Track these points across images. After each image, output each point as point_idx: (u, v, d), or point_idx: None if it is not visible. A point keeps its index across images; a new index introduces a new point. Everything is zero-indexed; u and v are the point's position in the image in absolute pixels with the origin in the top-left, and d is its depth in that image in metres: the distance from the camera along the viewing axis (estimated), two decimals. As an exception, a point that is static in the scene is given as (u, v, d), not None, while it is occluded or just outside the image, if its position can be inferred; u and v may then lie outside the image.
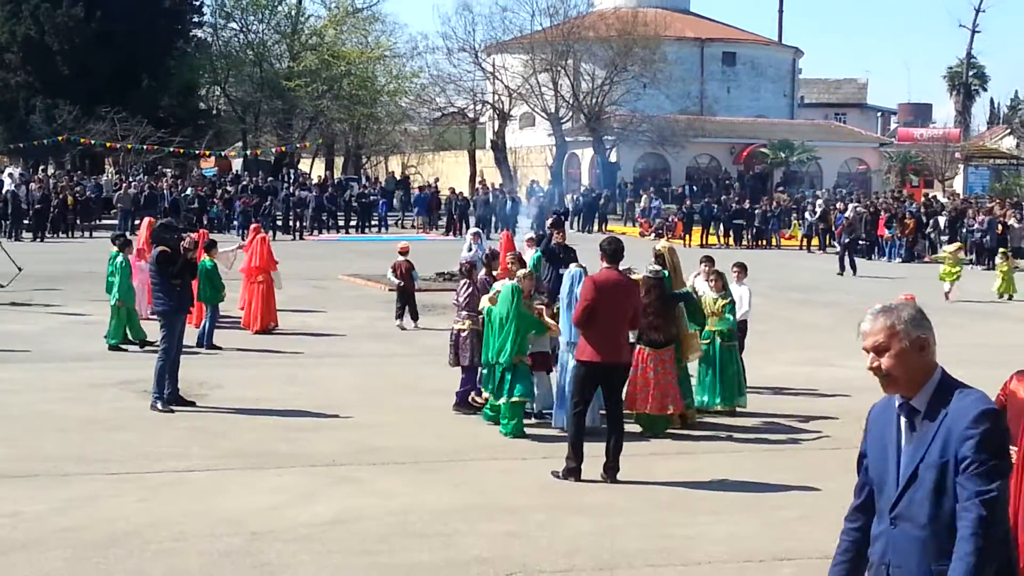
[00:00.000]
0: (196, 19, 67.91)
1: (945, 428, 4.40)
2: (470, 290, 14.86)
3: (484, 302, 14.07)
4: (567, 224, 21.00)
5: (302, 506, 10.38)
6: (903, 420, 4.54)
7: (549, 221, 19.22)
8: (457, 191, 53.49)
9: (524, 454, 12.49)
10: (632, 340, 12.53)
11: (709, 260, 15.64)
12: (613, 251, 11.68)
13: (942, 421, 4.41)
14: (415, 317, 22.21)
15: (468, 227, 47.60)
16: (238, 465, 11.80)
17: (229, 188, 51.37)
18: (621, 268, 12.06)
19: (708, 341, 14.87)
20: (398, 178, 66.21)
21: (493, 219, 48.50)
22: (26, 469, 11.48)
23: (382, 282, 26.41)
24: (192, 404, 14.57)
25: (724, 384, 14.79)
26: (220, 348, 19.18)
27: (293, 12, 67.44)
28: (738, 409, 14.84)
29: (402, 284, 22.02)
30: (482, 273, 15.44)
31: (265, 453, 12.25)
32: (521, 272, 14.40)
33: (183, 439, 12.86)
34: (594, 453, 11.46)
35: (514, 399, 13.20)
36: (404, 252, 22.43)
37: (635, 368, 13.28)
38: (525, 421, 13.61)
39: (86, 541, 9.31)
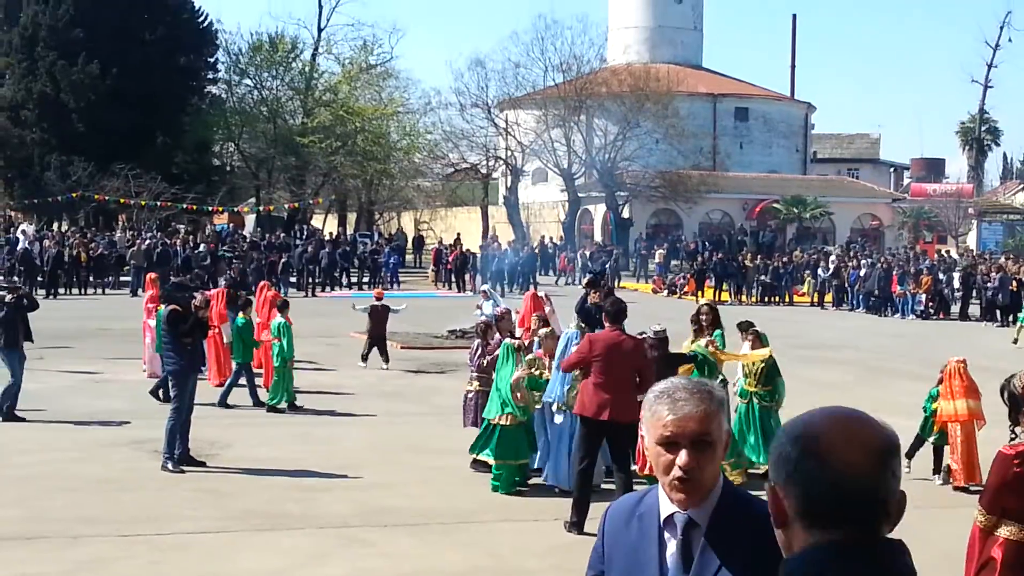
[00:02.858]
0: (210, 76, 68.42)
1: (739, 548, 3.33)
2: (481, 351, 14.89)
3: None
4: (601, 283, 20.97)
5: (313, 568, 10.32)
6: (670, 539, 3.42)
7: (585, 280, 19.28)
8: (465, 248, 53.50)
9: (536, 515, 12.41)
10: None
11: (749, 324, 15.52)
12: (616, 312, 12.13)
13: (731, 541, 3.36)
14: (386, 359, 23.96)
15: (477, 282, 47.81)
16: (248, 526, 11.74)
17: (243, 243, 51.51)
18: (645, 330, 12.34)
19: (747, 401, 14.85)
20: (411, 235, 66.46)
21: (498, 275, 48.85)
22: (35, 531, 11.43)
23: (392, 339, 26.36)
24: (203, 464, 14.52)
25: (768, 441, 14.64)
26: (232, 407, 19.14)
27: (307, 68, 67.87)
28: None
29: (371, 325, 24.06)
30: (498, 336, 15.46)
31: (275, 514, 12.19)
32: (543, 331, 14.43)
33: (193, 500, 12.81)
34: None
35: (479, 457, 13.45)
36: (379, 298, 25.03)
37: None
38: (537, 480, 13.61)
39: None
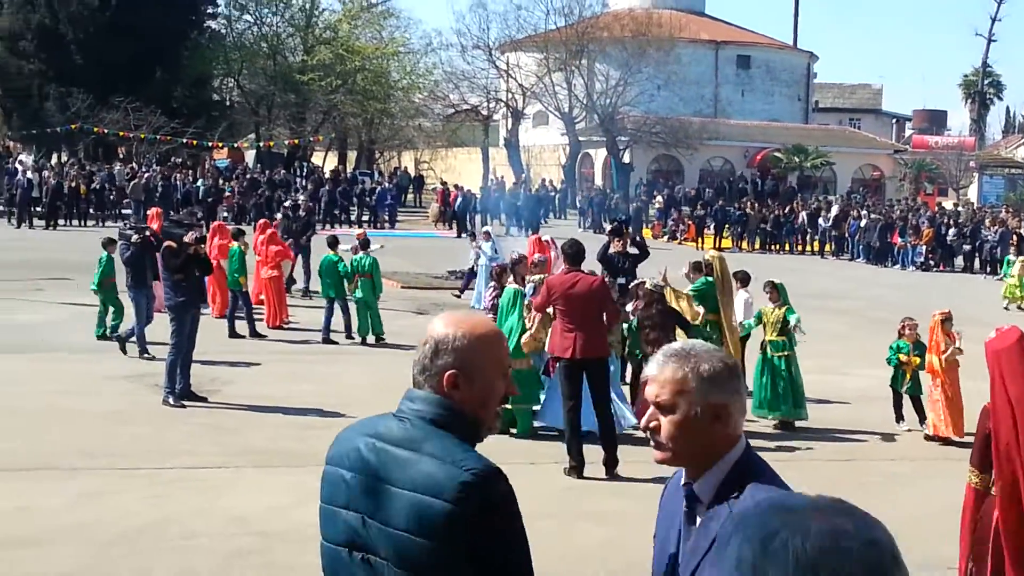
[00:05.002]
0: (210, 10, 67.81)
1: None
2: (495, 294, 14.86)
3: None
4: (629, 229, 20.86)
5: (310, 505, 10.27)
6: (684, 509, 3.38)
7: (608, 227, 19.13)
8: (466, 188, 53.19)
9: (537, 458, 12.41)
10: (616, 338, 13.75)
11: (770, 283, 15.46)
12: (573, 253, 12.35)
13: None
14: None
15: (477, 224, 47.68)
16: (249, 463, 11.75)
17: (244, 180, 51.24)
18: (645, 279, 12.34)
19: (762, 352, 14.92)
20: (412, 174, 66.21)
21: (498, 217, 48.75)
22: (36, 462, 11.44)
23: (392, 278, 26.30)
24: (204, 400, 14.53)
25: (779, 395, 14.64)
26: (242, 337, 19.75)
27: (308, 6, 67.34)
28: (797, 424, 14.65)
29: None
30: (511, 279, 15.42)
31: (276, 452, 12.19)
32: (536, 278, 14.41)
33: (194, 435, 12.81)
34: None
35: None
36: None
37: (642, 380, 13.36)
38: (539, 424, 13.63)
39: (95, 538, 9.25)
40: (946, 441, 14.08)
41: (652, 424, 3.33)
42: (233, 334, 19.85)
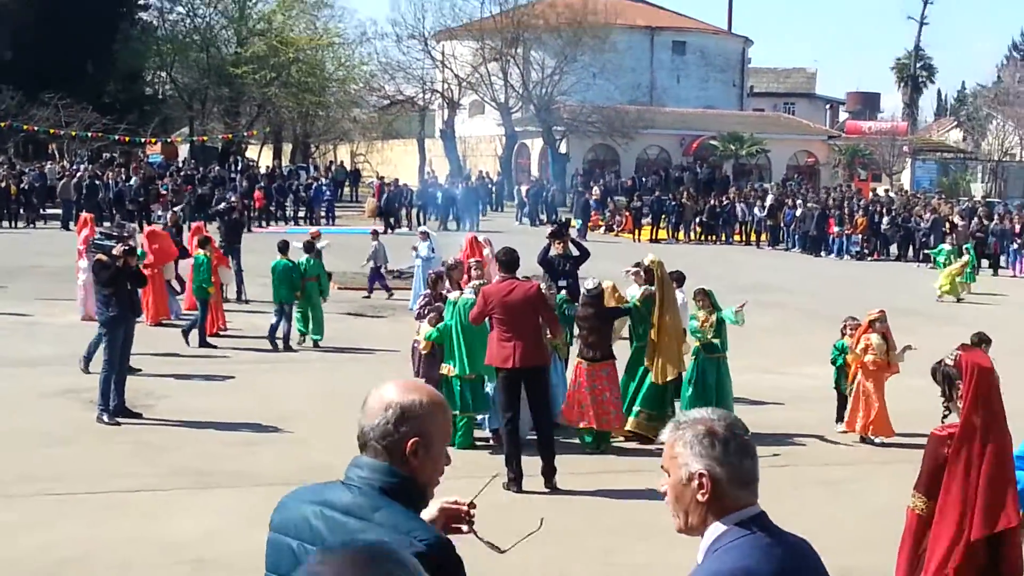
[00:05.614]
0: (141, 2, 67.09)
1: None
2: (425, 302, 14.85)
3: (425, 327, 14.12)
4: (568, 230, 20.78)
5: (249, 530, 10.21)
6: None
7: (549, 231, 19.09)
8: (395, 182, 52.76)
9: (476, 471, 12.37)
10: (560, 345, 14.10)
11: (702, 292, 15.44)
12: (508, 261, 12.25)
13: None
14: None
15: (414, 221, 47.53)
16: (185, 484, 11.65)
17: (178, 178, 50.63)
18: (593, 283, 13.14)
19: (694, 356, 14.93)
20: (348, 168, 65.84)
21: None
22: (-36, 490, 11.25)
23: (335, 280, 26.18)
24: (139, 416, 14.37)
25: (709, 400, 14.71)
26: (213, 346, 19.88)
27: (241, -3, 66.84)
28: None
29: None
30: (446, 283, 15.39)
31: (211, 472, 12.08)
32: (475, 283, 14.39)
33: (129, 455, 12.68)
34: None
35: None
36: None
37: (573, 383, 13.83)
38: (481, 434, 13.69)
39: (30, 570, 9.14)
40: (863, 440, 14.30)
41: (661, 490, 3.37)
42: (204, 343, 19.73)
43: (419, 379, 11.94)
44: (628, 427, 14.24)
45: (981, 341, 13.10)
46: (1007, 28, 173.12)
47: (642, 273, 15.27)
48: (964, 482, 6.65)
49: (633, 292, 15.36)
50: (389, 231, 43.74)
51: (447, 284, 16.01)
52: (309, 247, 20.88)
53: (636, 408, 14.36)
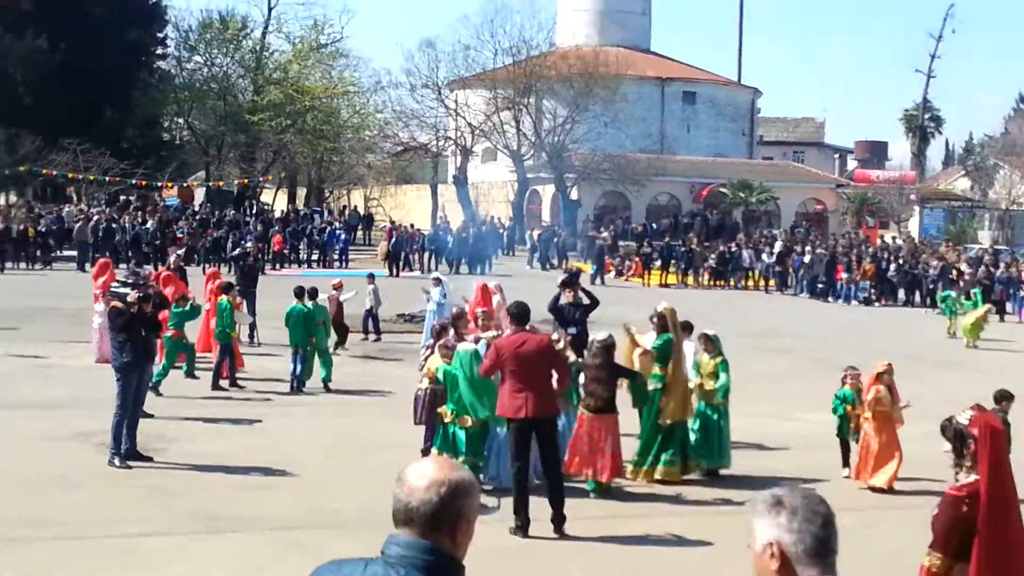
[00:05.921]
0: (159, 51, 67.87)
1: None
2: (428, 354, 15.03)
3: (435, 359, 14.19)
4: (580, 279, 20.92)
5: (256, 575, 10.41)
6: None
7: (560, 279, 19.21)
8: (416, 227, 53.35)
9: (482, 517, 12.54)
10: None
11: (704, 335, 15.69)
12: (519, 314, 12.48)
13: None
14: (342, 342, 24.83)
15: (426, 264, 47.84)
16: (194, 529, 11.77)
17: (193, 221, 51.04)
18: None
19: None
20: (361, 212, 66.30)
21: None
22: (-29, 533, 11.28)
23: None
24: (150, 459, 14.54)
25: (710, 444, 15.00)
26: (241, 387, 20.25)
27: (257, 47, 67.59)
28: (721, 472, 14.97)
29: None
30: (451, 334, 15.52)
31: (221, 516, 12.23)
32: (488, 335, 14.57)
33: (139, 499, 12.83)
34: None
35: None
36: (337, 288, 25.09)
37: (576, 431, 13.89)
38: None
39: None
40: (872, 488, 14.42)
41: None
42: (216, 385, 20.00)
43: (447, 456, 12.14)
44: (657, 475, 14.43)
45: (1003, 398, 13.24)
46: (1013, 81, 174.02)
47: (656, 320, 15.44)
48: (1004, 544, 6.76)
49: (651, 337, 15.50)
50: (396, 274, 44.23)
51: (451, 334, 16.09)
52: (312, 294, 21.29)
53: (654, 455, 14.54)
